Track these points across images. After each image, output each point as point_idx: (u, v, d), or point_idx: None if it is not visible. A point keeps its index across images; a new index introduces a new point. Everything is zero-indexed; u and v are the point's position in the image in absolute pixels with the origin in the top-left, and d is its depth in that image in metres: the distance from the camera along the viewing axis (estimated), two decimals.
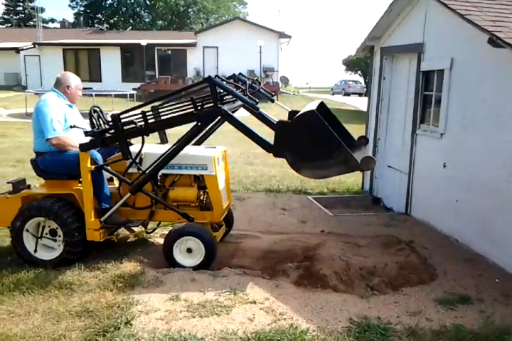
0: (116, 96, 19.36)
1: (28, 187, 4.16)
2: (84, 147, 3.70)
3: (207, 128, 4.02)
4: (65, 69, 28.31)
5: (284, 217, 5.36)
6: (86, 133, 3.74)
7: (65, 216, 3.79)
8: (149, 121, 3.63)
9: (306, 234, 4.80)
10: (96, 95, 17.26)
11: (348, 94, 36.03)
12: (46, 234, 3.93)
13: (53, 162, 3.95)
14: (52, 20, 51.11)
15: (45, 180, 4.12)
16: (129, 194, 3.79)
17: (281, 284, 3.53)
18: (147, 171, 3.75)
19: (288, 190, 6.38)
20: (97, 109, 3.86)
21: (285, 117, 3.79)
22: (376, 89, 6.30)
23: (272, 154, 3.40)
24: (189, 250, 3.76)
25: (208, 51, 27.54)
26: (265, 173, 7.38)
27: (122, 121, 3.63)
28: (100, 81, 28.01)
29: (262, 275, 3.71)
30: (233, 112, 3.68)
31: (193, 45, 27.71)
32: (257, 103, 3.49)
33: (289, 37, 28.28)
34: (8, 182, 4.19)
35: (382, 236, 4.65)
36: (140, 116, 3.60)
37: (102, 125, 3.84)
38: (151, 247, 4.36)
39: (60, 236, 3.87)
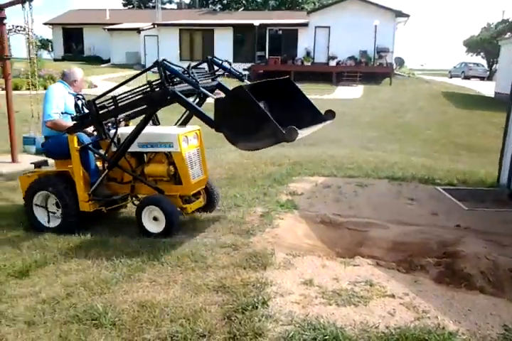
0: (228, 76, 19.75)
1: (40, 166, 4.84)
2: (70, 130, 4.26)
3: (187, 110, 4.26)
4: (180, 49, 29.58)
5: (412, 208, 5.07)
6: (72, 118, 4.29)
7: (61, 190, 4.37)
8: (119, 104, 4.05)
9: (439, 227, 4.49)
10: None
11: (467, 78, 33.40)
12: (52, 205, 4.53)
13: (54, 144, 4.57)
14: (170, 2, 53.48)
15: (54, 159, 4.80)
16: (107, 170, 4.33)
17: (420, 280, 3.33)
18: (118, 149, 4.21)
19: (413, 178, 6.03)
20: (81, 97, 4.32)
21: None
22: None
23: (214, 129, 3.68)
24: (155, 218, 4.14)
25: (320, 31, 26.99)
26: (386, 160, 7.06)
27: (97, 105, 4.11)
28: None
29: (397, 268, 3.53)
30: (211, 91, 4.06)
31: (305, 25, 27.29)
32: (198, 83, 3.78)
33: (407, 16, 26.67)
34: (31, 163, 4.94)
35: None
36: (111, 101, 4.06)
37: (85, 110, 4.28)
38: (276, 228, 4.36)
39: (59, 207, 4.45)
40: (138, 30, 30.47)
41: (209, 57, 4.39)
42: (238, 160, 7.14)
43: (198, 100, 4.19)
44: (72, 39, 35.37)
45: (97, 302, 3.11)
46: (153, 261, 3.72)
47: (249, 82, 4.19)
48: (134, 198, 4.62)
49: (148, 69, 4.10)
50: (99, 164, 4.52)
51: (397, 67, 28.03)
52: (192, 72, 3.86)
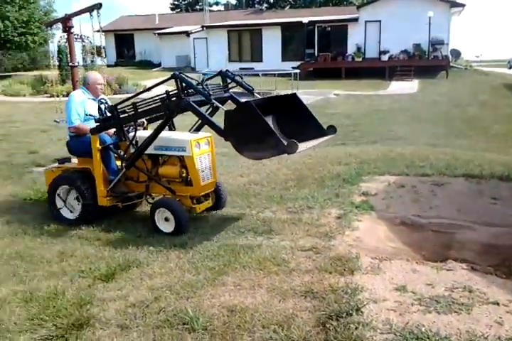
0: (279, 75, 19.68)
1: (63, 163, 5.23)
2: (93, 131, 4.62)
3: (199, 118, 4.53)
4: (228, 50, 29.79)
5: (497, 208, 4.78)
6: (95, 120, 4.63)
7: (81, 185, 4.75)
8: (138, 110, 4.41)
9: None
10: (262, 74, 17.76)
11: None
12: (73, 198, 4.92)
13: (77, 144, 4.97)
14: (217, 3, 54.09)
15: (76, 157, 5.17)
16: (125, 169, 4.67)
17: None
18: (136, 151, 4.57)
19: (492, 176, 5.69)
20: (104, 101, 4.73)
21: None
22: None
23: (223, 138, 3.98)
24: (166, 219, 4.43)
25: (370, 25, 26.41)
26: (459, 156, 6.72)
27: (119, 110, 4.49)
28: (261, 60, 28.85)
29: (495, 273, 3.31)
30: (224, 102, 4.43)
31: (355, 20, 26.77)
32: (210, 95, 4.14)
33: (462, 6, 25.62)
34: (55, 159, 5.42)
35: None
36: (131, 106, 4.42)
37: (108, 113, 4.61)
38: (356, 231, 4.22)
39: (80, 200, 4.82)
40: (187, 34, 30.99)
41: (222, 70, 4.78)
42: (302, 160, 7.02)
43: (210, 110, 4.50)
44: (124, 44, 36.47)
45: (185, 307, 3.10)
46: (234, 264, 3.68)
47: (259, 96, 4.61)
48: (148, 196, 4.97)
49: (166, 80, 4.40)
50: (118, 163, 4.88)
51: (453, 60, 26.96)
52: (206, 85, 4.28)
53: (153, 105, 4.37)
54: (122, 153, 4.76)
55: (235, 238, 4.26)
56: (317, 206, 4.91)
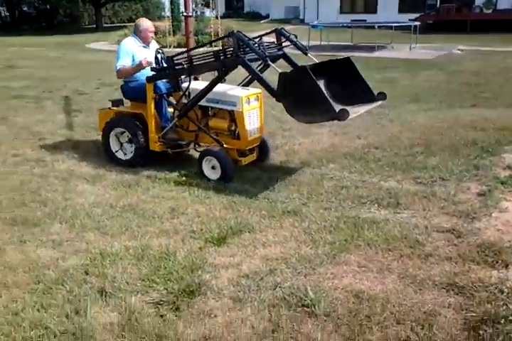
0: (396, 28, 18.02)
1: (117, 105, 5.32)
2: (148, 79, 4.71)
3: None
4: (340, 1, 28.02)
5: None
6: (151, 69, 4.68)
7: (135, 129, 4.88)
8: (194, 64, 4.52)
9: None
10: (378, 27, 16.36)
11: None
12: (126, 141, 5.09)
13: (130, 89, 5.08)
14: None
15: (130, 101, 5.25)
16: (176, 118, 4.84)
17: None
18: (190, 103, 4.70)
19: None
20: (160, 51, 4.76)
21: None
22: None
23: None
24: (213, 167, 4.56)
25: None
26: None
27: (175, 62, 4.59)
28: (375, 12, 26.84)
29: None
30: (276, 59, 4.59)
31: None
32: (266, 56, 4.15)
33: None
34: (109, 100, 5.45)
35: None
36: (187, 59, 4.55)
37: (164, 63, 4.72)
38: (505, 213, 3.55)
39: (132, 143, 4.97)
40: None
41: (277, 28, 4.78)
42: (430, 124, 6.24)
43: (262, 66, 4.50)
44: None
45: (304, 285, 2.76)
46: (357, 240, 3.26)
47: (313, 58, 4.62)
48: (196, 145, 5.07)
49: (223, 37, 4.62)
50: (170, 110, 5.00)
51: None
52: (261, 43, 4.37)
53: (209, 60, 4.45)
54: (175, 102, 4.97)
55: (355, 209, 3.81)
56: (452, 178, 4.26)
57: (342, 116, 3.67)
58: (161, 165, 5.00)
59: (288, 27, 26.87)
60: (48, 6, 35.27)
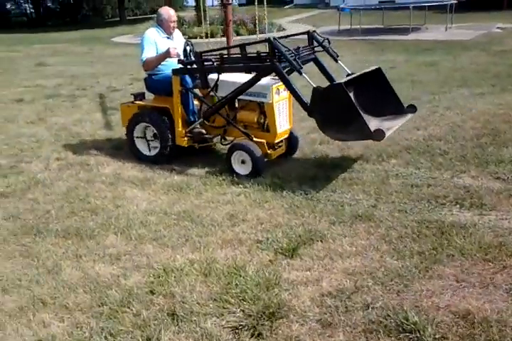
0: (430, 8, 17.23)
1: (140, 99, 5.14)
2: (175, 72, 4.55)
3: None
4: None
5: None
6: (178, 61, 4.55)
7: (161, 124, 4.73)
8: (224, 64, 4.39)
9: None
10: (413, 8, 15.63)
11: None
12: (151, 136, 4.95)
13: (154, 82, 4.92)
14: None
15: (154, 94, 5.07)
16: (203, 119, 4.68)
17: None
18: (220, 102, 4.54)
19: None
20: (189, 43, 4.64)
21: None
22: None
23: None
24: (243, 161, 4.41)
25: None
26: None
27: (203, 58, 4.41)
28: None
29: None
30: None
31: None
32: (301, 68, 4.00)
33: None
34: (131, 94, 5.30)
35: None
36: (218, 58, 4.37)
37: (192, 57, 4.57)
38: None
39: (158, 138, 4.83)
40: None
41: (311, 30, 4.60)
42: (492, 111, 5.78)
43: (289, 69, 4.23)
44: None
45: (400, 305, 2.44)
46: (447, 249, 2.92)
47: (343, 66, 4.52)
48: (222, 139, 4.84)
49: (259, 42, 4.45)
50: (196, 103, 4.85)
51: None
52: (298, 53, 4.18)
53: (241, 64, 4.35)
54: (201, 95, 4.76)
55: (434, 211, 3.45)
56: None
57: (378, 136, 3.64)
58: (191, 162, 4.85)
59: (315, 12, 26.27)
60: (71, 1, 35.32)
